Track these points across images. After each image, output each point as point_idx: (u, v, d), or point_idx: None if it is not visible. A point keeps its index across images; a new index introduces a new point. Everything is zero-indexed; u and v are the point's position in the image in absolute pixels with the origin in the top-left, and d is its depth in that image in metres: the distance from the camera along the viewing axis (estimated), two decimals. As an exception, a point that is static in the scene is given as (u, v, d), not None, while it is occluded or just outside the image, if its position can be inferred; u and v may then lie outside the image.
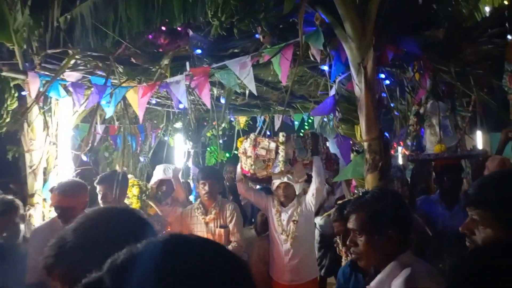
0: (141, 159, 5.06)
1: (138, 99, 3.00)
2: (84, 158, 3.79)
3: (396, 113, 3.96)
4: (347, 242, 1.51)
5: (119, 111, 3.64)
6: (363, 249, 1.66)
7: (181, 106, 3.40)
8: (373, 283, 1.68)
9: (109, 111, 3.15)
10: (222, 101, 3.82)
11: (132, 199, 3.69)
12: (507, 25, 3.18)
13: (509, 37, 3.05)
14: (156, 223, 3.70)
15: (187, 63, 2.86)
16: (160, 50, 3.05)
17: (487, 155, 3.14)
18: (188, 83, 2.85)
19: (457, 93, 3.46)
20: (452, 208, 3.32)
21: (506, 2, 3.59)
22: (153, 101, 3.89)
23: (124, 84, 3.06)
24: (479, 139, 5.57)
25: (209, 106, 3.02)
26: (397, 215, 1.67)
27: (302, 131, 5.77)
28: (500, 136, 3.11)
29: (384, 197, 1.71)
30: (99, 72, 3.22)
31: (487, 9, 3.77)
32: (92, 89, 3.13)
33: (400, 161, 7.61)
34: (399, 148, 6.85)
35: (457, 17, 3.45)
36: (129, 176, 3.80)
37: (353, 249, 1.70)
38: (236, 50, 2.88)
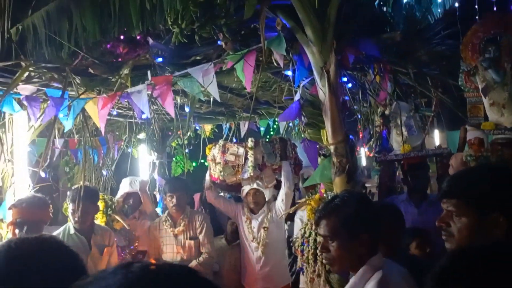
0: (104, 172, 4.89)
1: (98, 110, 2.89)
2: (43, 174, 3.61)
3: (358, 115, 4.03)
4: (319, 249, 1.49)
5: (78, 124, 3.50)
6: (335, 254, 1.65)
7: (143, 116, 3.31)
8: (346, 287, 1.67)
9: (68, 124, 3.02)
10: (187, 109, 3.75)
11: (97, 214, 3.54)
12: (459, 26, 3.31)
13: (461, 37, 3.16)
14: (123, 237, 3.58)
15: (149, 72, 2.78)
16: (120, 59, 2.96)
17: (451, 153, 3.24)
18: (150, 92, 2.77)
19: (416, 94, 3.55)
20: (420, 206, 3.40)
21: (456, 4, 3.73)
22: (114, 112, 3.76)
23: (82, 96, 2.94)
24: (437, 138, 5.78)
25: (173, 115, 2.95)
26: (367, 217, 1.68)
27: (268, 137, 5.77)
28: (460, 133, 3.21)
29: (354, 201, 1.71)
30: (55, 84, 3.08)
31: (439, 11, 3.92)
32: (49, 102, 2.99)
33: (364, 162, 7.77)
34: (362, 150, 7.00)
35: (411, 20, 3.57)
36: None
37: (325, 255, 1.68)
38: (198, 58, 2.83)
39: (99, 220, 3.48)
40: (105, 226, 3.45)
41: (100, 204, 3.50)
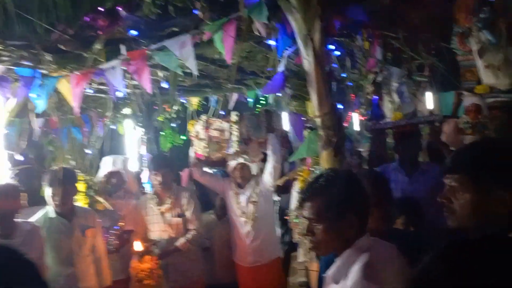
0: (89, 151, 4.74)
1: (71, 89, 2.72)
2: (20, 157, 3.48)
3: (349, 83, 3.88)
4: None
5: (57, 102, 3.34)
6: (321, 237, 1.55)
7: (119, 94, 3.15)
8: (330, 272, 1.58)
9: (41, 104, 2.86)
10: (165, 85, 3.58)
11: (78, 196, 3.44)
12: (452, -13, 3.14)
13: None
14: (107, 218, 3.50)
15: (122, 47, 2.60)
16: (100, 33, 2.77)
17: (443, 119, 3.14)
18: (125, 68, 2.60)
19: (407, 59, 3.41)
20: (411, 174, 3.33)
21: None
22: (90, 90, 3.58)
23: (54, 74, 2.77)
24: (429, 101, 5.65)
25: (150, 92, 2.79)
26: (354, 197, 1.57)
27: (258, 108, 5.63)
28: (454, 99, 3.10)
29: (340, 180, 1.60)
30: (26, 63, 2.90)
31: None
32: (19, 82, 2.82)
33: (357, 128, 7.66)
34: (355, 115, 6.87)
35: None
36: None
37: (311, 238, 1.59)
38: (175, 29, 2.65)
39: (81, 201, 3.38)
40: (87, 207, 3.36)
41: (81, 185, 3.39)
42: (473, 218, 1.26)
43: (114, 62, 2.60)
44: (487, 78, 3.12)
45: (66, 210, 3.09)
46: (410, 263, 1.60)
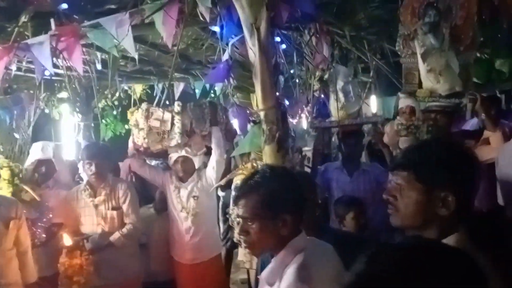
0: (18, 136, 4.38)
1: (-8, 64, 2.45)
2: None
3: (296, 80, 3.85)
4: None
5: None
6: (255, 237, 1.46)
7: (46, 73, 2.89)
8: (264, 273, 1.50)
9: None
10: (99, 67, 3.35)
11: (1, 184, 3.14)
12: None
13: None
14: (33, 209, 3.22)
15: (52, 21, 2.37)
16: (28, 6, 2.51)
17: (386, 121, 3.17)
18: (54, 45, 2.37)
19: (353, 58, 3.42)
20: (352, 174, 3.35)
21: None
22: (16, 67, 3.26)
23: (-28, 47, 2.47)
24: (373, 104, 5.78)
25: (81, 72, 2.58)
26: (291, 195, 1.49)
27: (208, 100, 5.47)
28: (396, 101, 3.14)
29: (275, 177, 1.51)
30: None
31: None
32: None
33: (305, 126, 7.72)
34: (304, 114, 6.91)
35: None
36: (-4, 157, 3.23)
37: (245, 238, 1.49)
38: (112, 6, 2.45)
39: (5, 190, 3.08)
40: (10, 197, 3.06)
41: (5, 173, 3.10)
42: (416, 217, 1.25)
43: (42, 37, 2.36)
44: (428, 82, 3.17)
45: None
46: (347, 264, 1.56)
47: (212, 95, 5.93)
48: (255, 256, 1.71)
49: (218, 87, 4.72)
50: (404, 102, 2.85)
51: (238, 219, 1.50)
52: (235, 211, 1.52)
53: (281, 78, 2.79)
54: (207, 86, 5.35)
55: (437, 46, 3.02)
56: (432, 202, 1.22)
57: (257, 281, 1.91)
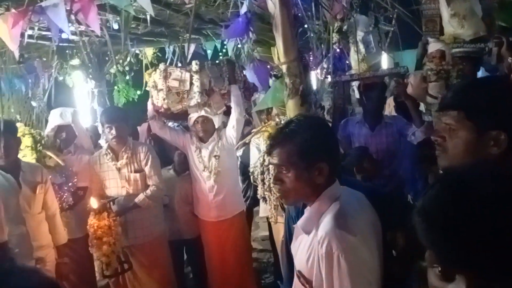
0: (34, 104, 4.39)
1: (8, 30, 2.41)
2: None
3: (311, 34, 3.73)
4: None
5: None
6: (290, 186, 1.46)
7: (64, 36, 2.84)
8: (300, 222, 1.51)
9: (-28, 48, 2.53)
10: (116, 26, 3.27)
11: (25, 151, 3.18)
12: None
13: None
14: (59, 175, 3.27)
15: (65, -19, 2.30)
16: None
17: (408, 72, 3.09)
18: (69, 7, 2.31)
19: (374, 7, 3.29)
20: (374, 127, 3.31)
21: None
22: (32, 33, 3.21)
23: (-14, 12, 2.43)
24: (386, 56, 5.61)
25: (98, 33, 2.53)
26: (326, 144, 1.48)
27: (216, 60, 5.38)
28: (418, 49, 3.04)
29: (311, 126, 1.49)
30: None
31: None
32: None
33: (314, 86, 7.58)
34: (313, 73, 6.75)
35: None
36: (18, 124, 3.25)
37: (279, 186, 1.49)
38: (125, -38, 2.37)
39: (28, 157, 3.12)
40: (34, 163, 3.11)
41: (28, 140, 3.13)
42: (466, 157, 1.21)
43: (56, -1, 2.30)
44: (452, 27, 3.06)
45: (10, 165, 2.85)
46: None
47: (220, 55, 5.84)
48: (290, 204, 1.71)
49: (229, 46, 4.63)
50: (434, 46, 2.75)
51: (272, 168, 1.50)
52: (270, 160, 1.51)
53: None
54: (218, 46, 5.26)
55: (461, -11, 2.90)
56: (483, 141, 1.18)
57: (289, 232, 1.94)
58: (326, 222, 1.42)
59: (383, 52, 3.31)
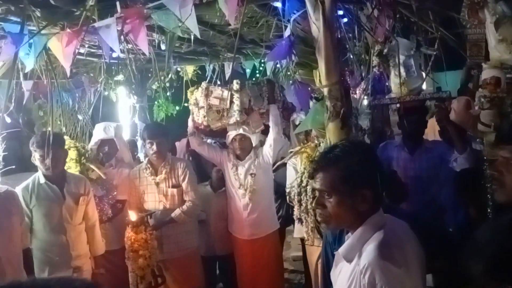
0: (80, 117, 4.57)
1: (62, 48, 2.54)
2: (8, 119, 3.32)
3: (351, 55, 3.72)
4: (313, 205, 1.28)
5: (47, 63, 3.16)
6: (332, 212, 1.45)
7: (114, 55, 2.97)
8: (341, 249, 1.49)
9: (29, 64, 2.68)
10: (163, 47, 3.39)
11: (70, 163, 3.31)
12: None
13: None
14: (100, 187, 3.38)
15: (118, 3, 2.42)
16: None
17: (451, 97, 3.02)
18: (120, 28, 2.42)
19: (417, 30, 3.25)
20: (413, 152, 3.25)
21: None
22: (82, 50, 3.38)
23: (44, 31, 2.58)
24: (436, 77, 5.46)
25: (147, 53, 2.63)
26: (371, 171, 1.46)
27: (254, 79, 5.45)
28: (462, 74, 2.97)
29: (356, 151, 1.48)
30: (14, 18, 2.70)
31: None
32: (7, 39, 2.62)
33: (360, 103, 7.49)
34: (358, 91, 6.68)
35: None
36: (64, 137, 3.39)
37: (321, 211, 1.48)
38: (174, -14, 2.46)
39: (73, 169, 3.25)
40: (78, 175, 3.24)
41: (73, 153, 3.26)
42: None
43: (108, 20, 2.42)
44: (499, 52, 2.98)
45: (56, 176, 2.97)
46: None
47: (257, 74, 5.92)
48: (331, 229, 1.69)
49: (268, 66, 4.69)
50: (488, 73, 2.67)
51: (312, 190, 1.50)
52: (312, 184, 1.51)
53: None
54: (257, 65, 5.33)
55: (509, 15, 2.83)
56: None
57: (327, 257, 1.91)
58: (370, 251, 1.39)
59: (424, 75, 3.24)
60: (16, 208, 2.76)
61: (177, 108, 5.92)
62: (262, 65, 5.23)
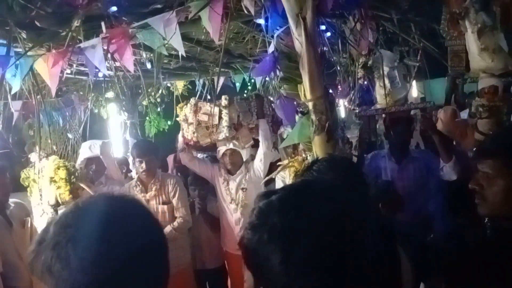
0: (70, 136, 4.57)
1: (48, 69, 2.56)
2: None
3: (337, 67, 3.77)
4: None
5: (34, 83, 3.17)
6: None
7: (100, 74, 2.99)
8: None
9: (16, 85, 2.69)
10: (149, 65, 3.43)
11: (59, 183, 3.29)
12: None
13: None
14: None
15: (103, 24, 2.44)
16: (79, 11, 2.60)
17: (435, 106, 3.06)
18: (105, 47, 2.44)
19: (400, 42, 3.31)
20: (400, 162, 3.28)
21: None
22: (68, 71, 3.40)
23: (30, 53, 2.59)
24: (414, 88, 5.55)
25: (132, 72, 2.66)
26: None
27: (246, 92, 5.49)
28: (447, 84, 3.01)
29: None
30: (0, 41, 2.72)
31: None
32: (-7, 61, 2.64)
33: (343, 114, 7.57)
34: (341, 102, 6.75)
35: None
36: (53, 157, 3.39)
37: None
38: (159, 6, 2.49)
39: (62, 189, 3.23)
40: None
41: (62, 172, 3.25)
42: (506, 206, 1.20)
43: (94, 41, 2.44)
44: (481, 61, 3.04)
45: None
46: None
47: (249, 87, 5.95)
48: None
49: (257, 80, 4.73)
50: (486, 82, 2.71)
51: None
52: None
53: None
54: (247, 79, 5.37)
55: (490, 24, 2.89)
56: None
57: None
58: None
59: (408, 86, 3.29)
60: None
61: (169, 123, 5.94)
62: (252, 78, 5.28)
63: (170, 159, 4.72)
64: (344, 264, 0.59)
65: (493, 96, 2.62)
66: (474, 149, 3.13)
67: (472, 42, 3.02)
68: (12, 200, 3.16)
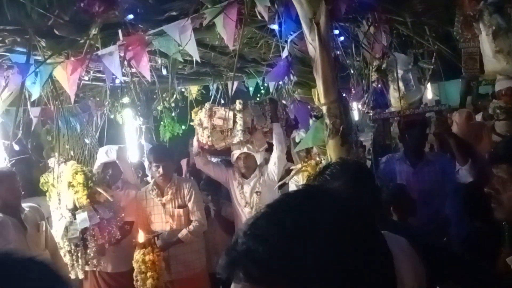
0: (87, 141, 4.65)
1: (67, 76, 2.62)
2: (16, 147, 3.39)
3: (351, 70, 3.77)
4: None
5: (53, 90, 3.25)
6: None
7: (117, 81, 3.05)
8: None
9: (35, 92, 2.76)
10: (164, 72, 3.48)
11: (77, 187, 3.36)
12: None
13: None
14: (108, 209, 3.42)
15: (120, 32, 2.50)
16: (97, 19, 2.67)
17: (450, 109, 3.04)
18: (122, 54, 2.50)
19: (414, 45, 3.30)
20: (415, 165, 3.26)
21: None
22: (86, 78, 3.47)
23: (49, 60, 2.66)
24: (429, 91, 5.50)
25: (149, 79, 2.70)
26: None
27: (258, 96, 5.52)
28: (461, 87, 2.99)
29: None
30: (20, 49, 2.80)
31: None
32: (13, 68, 2.72)
33: (356, 117, 7.52)
34: (355, 105, 6.70)
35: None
36: (71, 162, 3.46)
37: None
38: (174, 13, 2.54)
39: (80, 193, 3.30)
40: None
41: (80, 177, 3.32)
42: None
43: (111, 48, 2.50)
44: (497, 64, 3.01)
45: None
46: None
47: (262, 91, 5.98)
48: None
49: (271, 84, 4.76)
50: (503, 84, 2.70)
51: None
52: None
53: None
54: (260, 83, 5.40)
55: (504, 26, 2.87)
56: None
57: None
58: None
59: (423, 88, 3.27)
60: None
61: (183, 127, 6.00)
62: (266, 83, 5.31)
63: (183, 163, 4.77)
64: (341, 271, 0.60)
65: (511, 98, 2.60)
66: (490, 152, 3.11)
67: (486, 44, 3.00)
68: (27, 204, 3.20)
